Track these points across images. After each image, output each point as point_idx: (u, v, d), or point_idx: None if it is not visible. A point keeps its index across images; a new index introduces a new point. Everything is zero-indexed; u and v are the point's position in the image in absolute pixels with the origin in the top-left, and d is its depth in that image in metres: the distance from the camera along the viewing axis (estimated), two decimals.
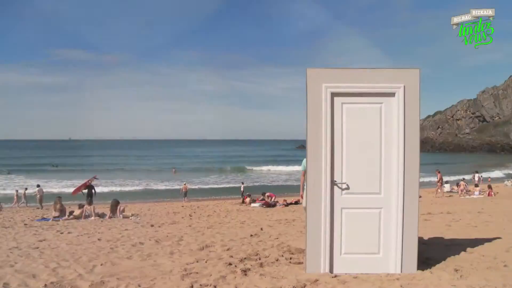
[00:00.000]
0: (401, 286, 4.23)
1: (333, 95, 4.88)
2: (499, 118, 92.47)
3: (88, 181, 20.58)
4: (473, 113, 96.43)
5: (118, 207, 14.21)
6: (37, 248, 7.19)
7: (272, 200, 19.84)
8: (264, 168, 48.75)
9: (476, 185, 22.59)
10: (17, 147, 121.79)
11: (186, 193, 24.08)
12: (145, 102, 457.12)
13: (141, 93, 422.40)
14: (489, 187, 21.07)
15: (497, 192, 20.65)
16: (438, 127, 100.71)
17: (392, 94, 4.89)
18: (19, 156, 76.67)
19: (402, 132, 4.80)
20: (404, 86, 4.82)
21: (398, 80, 4.84)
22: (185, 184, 25.29)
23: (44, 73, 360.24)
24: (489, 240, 6.50)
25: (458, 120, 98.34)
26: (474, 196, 20.21)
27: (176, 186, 30.40)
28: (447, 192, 23.87)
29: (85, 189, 19.81)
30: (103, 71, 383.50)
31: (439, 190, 21.81)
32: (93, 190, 19.47)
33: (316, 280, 4.49)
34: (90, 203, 14.78)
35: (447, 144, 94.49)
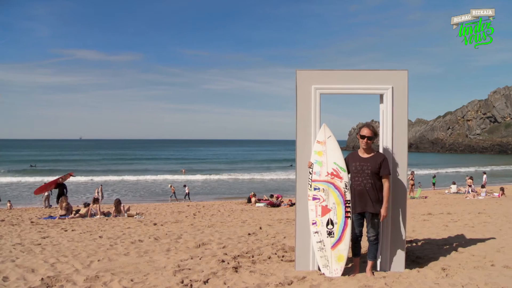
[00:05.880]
0: (385, 284, 4.31)
1: (323, 96, 4.99)
2: (511, 118, 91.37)
3: (59, 179, 19.31)
4: (484, 114, 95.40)
5: (122, 206, 14.42)
6: (39, 244, 7.40)
7: (278, 200, 19.95)
8: (272, 174, 46.54)
9: (483, 186, 22.42)
10: (20, 147, 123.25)
11: (188, 194, 24.50)
12: (154, 102, 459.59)
13: (150, 93, 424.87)
14: (501, 189, 20.87)
15: (503, 194, 20.46)
16: (449, 128, 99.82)
17: (380, 95, 4.99)
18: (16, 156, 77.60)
19: (390, 133, 4.88)
20: (393, 88, 4.91)
21: (387, 82, 4.93)
22: (186, 186, 25.73)
23: (55, 73, 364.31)
24: (482, 240, 6.54)
25: (468, 120, 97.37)
26: (480, 197, 20.08)
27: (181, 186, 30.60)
28: (454, 193, 23.77)
29: (55, 188, 18.62)
30: (113, 71, 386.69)
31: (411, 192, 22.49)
32: (64, 190, 18.26)
33: (304, 277, 4.59)
34: (94, 202, 15.00)
35: (458, 145, 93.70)
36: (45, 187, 19.34)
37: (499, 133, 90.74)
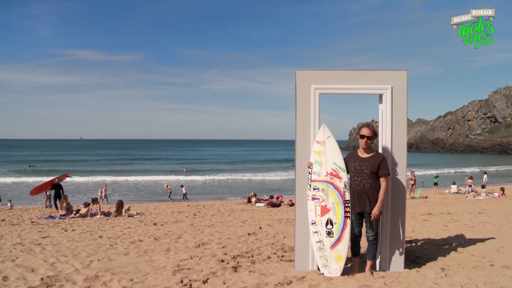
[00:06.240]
0: (384, 283, 4.32)
1: (323, 96, 5.00)
2: (511, 118, 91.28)
3: (54, 179, 19.00)
4: (484, 114, 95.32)
5: (124, 207, 14.43)
6: (40, 244, 7.42)
7: (278, 200, 19.96)
8: (273, 174, 46.23)
9: (483, 186, 22.41)
10: (20, 147, 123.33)
11: (185, 195, 24.55)
12: (155, 102, 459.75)
13: (151, 93, 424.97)
14: (502, 189, 20.87)
15: (504, 194, 20.46)
16: (449, 128, 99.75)
17: (379, 96, 4.99)
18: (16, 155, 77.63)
19: (389, 133, 4.89)
20: (392, 88, 4.91)
21: (386, 82, 4.93)
22: (183, 186, 25.80)
23: (55, 73, 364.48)
24: (482, 240, 6.54)
25: (469, 120, 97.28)
26: (480, 198, 20.07)
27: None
28: (454, 193, 23.77)
29: (51, 188, 18.33)
30: (113, 71, 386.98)
31: (412, 192, 22.62)
32: (61, 190, 18.03)
33: (303, 277, 4.60)
34: (95, 201, 15.02)
35: (458, 145, 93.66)
36: (41, 187, 19.16)
37: (499, 133, 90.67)
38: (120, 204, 14.46)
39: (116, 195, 25.67)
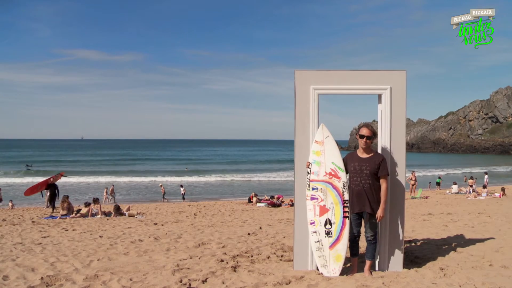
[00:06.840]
0: (383, 283, 4.32)
1: (321, 96, 5.01)
2: None
3: (49, 179, 18.80)
4: (486, 114, 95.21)
5: (120, 210, 14.45)
6: (40, 244, 7.44)
7: (279, 200, 19.96)
8: (274, 174, 46.16)
9: (484, 187, 22.41)
10: (21, 147, 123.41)
11: (183, 195, 24.60)
12: (156, 102, 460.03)
13: (152, 93, 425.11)
14: (502, 189, 20.86)
15: (504, 194, 20.45)
16: (450, 128, 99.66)
17: (379, 96, 5.00)
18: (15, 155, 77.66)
19: (388, 133, 4.89)
20: (391, 88, 4.92)
21: (385, 82, 4.94)
22: (182, 187, 25.85)
23: (56, 73, 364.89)
24: (481, 240, 6.55)
25: (470, 121, 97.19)
26: (481, 198, 20.05)
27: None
28: (455, 193, 23.77)
29: (46, 188, 18.18)
30: (115, 71, 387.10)
31: (412, 192, 22.75)
32: (56, 190, 17.97)
33: (302, 277, 4.61)
34: (96, 201, 15.04)
35: (459, 145, 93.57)
36: (36, 187, 19.03)
37: (500, 133, 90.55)
38: (117, 209, 14.48)
39: (118, 195, 25.70)
